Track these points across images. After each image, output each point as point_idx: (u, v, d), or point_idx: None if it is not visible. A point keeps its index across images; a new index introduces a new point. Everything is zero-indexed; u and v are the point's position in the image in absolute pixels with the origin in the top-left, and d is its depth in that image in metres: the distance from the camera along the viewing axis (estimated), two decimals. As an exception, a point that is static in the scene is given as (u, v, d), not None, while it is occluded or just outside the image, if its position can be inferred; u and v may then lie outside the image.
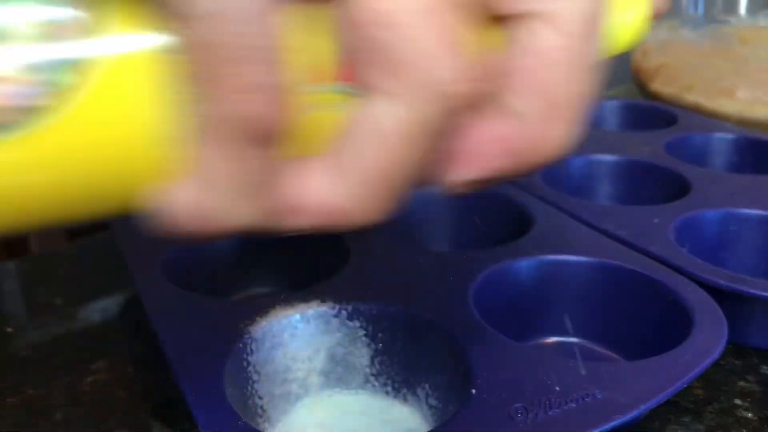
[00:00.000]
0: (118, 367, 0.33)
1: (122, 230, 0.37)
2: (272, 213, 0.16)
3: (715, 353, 0.26)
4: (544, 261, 0.33)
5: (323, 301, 0.29)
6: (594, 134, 0.52)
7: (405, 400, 0.29)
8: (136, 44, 0.15)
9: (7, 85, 0.14)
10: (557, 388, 0.24)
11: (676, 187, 0.43)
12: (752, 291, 0.31)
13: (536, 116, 0.16)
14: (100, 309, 0.38)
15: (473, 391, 0.25)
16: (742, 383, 0.31)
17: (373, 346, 0.30)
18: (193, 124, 0.15)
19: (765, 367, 0.32)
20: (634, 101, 0.64)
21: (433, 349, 0.28)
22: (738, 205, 0.40)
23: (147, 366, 0.33)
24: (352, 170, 0.15)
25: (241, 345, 0.27)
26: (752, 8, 0.67)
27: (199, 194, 0.15)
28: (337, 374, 0.30)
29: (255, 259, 0.38)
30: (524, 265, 0.33)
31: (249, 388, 0.27)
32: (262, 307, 0.29)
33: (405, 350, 0.29)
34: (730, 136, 0.53)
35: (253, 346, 0.28)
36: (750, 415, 0.29)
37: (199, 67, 0.14)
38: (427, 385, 0.28)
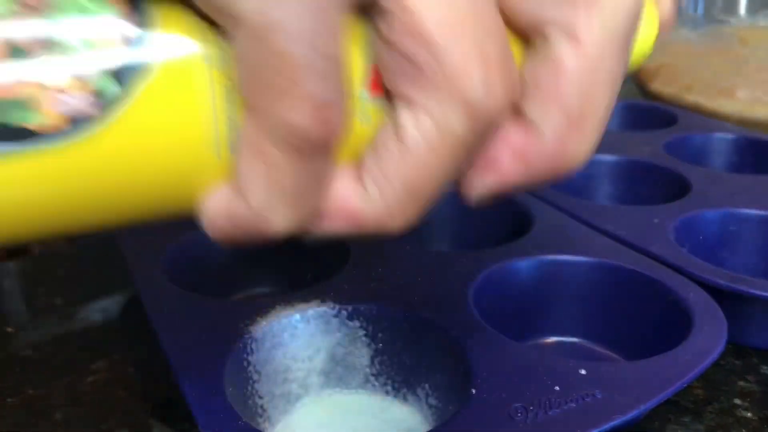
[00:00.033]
0: (118, 367, 0.33)
1: (122, 230, 0.37)
2: (308, 219, 0.16)
3: (715, 353, 0.26)
4: (544, 261, 0.33)
5: (323, 301, 0.29)
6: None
7: (405, 400, 0.29)
8: (186, 52, 0.15)
9: (59, 94, 0.14)
10: (557, 388, 0.24)
11: (676, 187, 0.43)
12: (752, 291, 0.31)
13: (557, 130, 0.16)
14: (100, 309, 0.38)
15: (473, 391, 0.25)
16: (742, 383, 0.31)
17: (373, 346, 0.30)
18: (242, 132, 0.15)
19: (765, 367, 0.32)
20: (634, 101, 0.64)
21: (433, 349, 0.28)
22: (738, 205, 0.40)
23: (147, 366, 0.33)
24: (381, 179, 0.16)
25: (241, 345, 0.27)
26: (752, 8, 0.68)
27: (240, 200, 0.16)
28: (337, 374, 0.30)
29: (255, 259, 0.38)
30: (524, 265, 0.33)
31: (249, 388, 0.27)
32: (262, 307, 0.29)
33: (405, 350, 0.29)
34: (730, 136, 0.53)
35: (253, 346, 0.28)
36: (750, 415, 0.29)
37: (257, 78, 0.14)
38: (427, 385, 0.28)
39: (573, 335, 0.34)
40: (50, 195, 0.15)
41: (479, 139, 0.16)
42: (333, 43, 0.14)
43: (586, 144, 0.17)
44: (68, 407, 0.30)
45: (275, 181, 0.15)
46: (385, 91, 0.16)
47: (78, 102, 0.14)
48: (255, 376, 0.28)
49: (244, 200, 0.16)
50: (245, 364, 0.27)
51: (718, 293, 0.30)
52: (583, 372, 0.25)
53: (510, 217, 0.39)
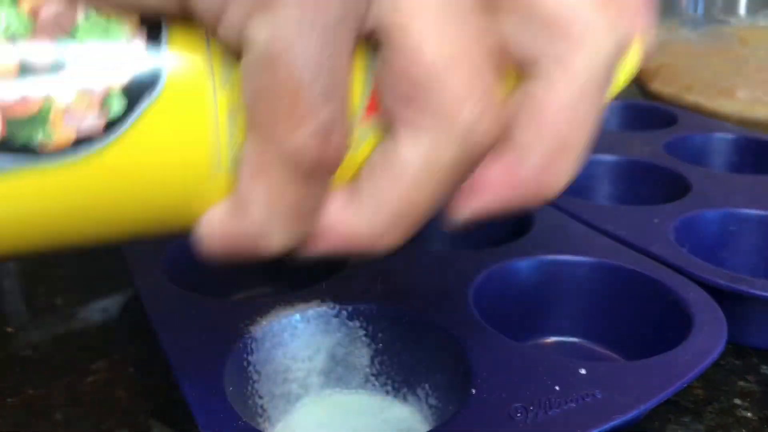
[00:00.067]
0: (118, 367, 0.33)
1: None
2: (303, 239, 0.17)
3: (715, 353, 0.26)
4: (544, 261, 0.33)
5: (323, 301, 0.29)
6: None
7: (405, 400, 0.29)
8: (194, 73, 0.15)
9: (68, 112, 0.15)
10: (557, 388, 0.24)
11: (676, 187, 0.43)
12: (752, 291, 0.31)
13: (539, 160, 0.17)
14: (100, 309, 0.38)
15: (473, 391, 0.25)
16: (742, 383, 0.31)
17: (373, 346, 0.30)
18: (246, 152, 0.16)
19: (765, 367, 0.32)
20: (634, 101, 0.64)
21: (433, 349, 0.28)
22: (738, 205, 0.40)
23: (147, 366, 0.33)
24: (374, 201, 0.16)
25: (241, 345, 0.27)
26: (752, 8, 0.68)
27: (238, 218, 0.16)
28: (337, 374, 0.30)
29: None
30: (524, 265, 0.33)
31: (249, 388, 0.27)
32: (262, 307, 0.29)
33: (405, 350, 0.29)
34: (730, 136, 0.53)
35: (253, 346, 0.28)
36: (750, 415, 0.29)
37: (264, 101, 0.15)
38: (427, 385, 0.28)
39: (573, 335, 0.34)
40: (54, 210, 0.15)
41: (468, 168, 0.17)
42: (339, 69, 0.15)
43: (566, 172, 0.17)
44: (68, 407, 0.30)
45: (275, 200, 0.16)
46: (380, 115, 0.17)
47: (85, 120, 0.15)
48: (255, 376, 0.28)
49: (242, 218, 0.16)
50: (245, 364, 0.27)
51: (718, 293, 0.30)
52: (583, 372, 0.25)
53: (510, 217, 0.39)
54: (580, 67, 0.17)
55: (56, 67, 0.15)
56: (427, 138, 0.16)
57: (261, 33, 0.14)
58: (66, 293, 0.39)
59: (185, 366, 0.26)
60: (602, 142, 0.51)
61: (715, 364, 0.27)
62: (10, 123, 0.14)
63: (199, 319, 0.29)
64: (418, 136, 0.16)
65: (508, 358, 0.26)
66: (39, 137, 0.15)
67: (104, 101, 0.15)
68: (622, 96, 0.68)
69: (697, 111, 0.61)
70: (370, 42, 0.16)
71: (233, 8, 0.14)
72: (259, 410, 0.27)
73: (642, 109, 0.61)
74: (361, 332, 0.29)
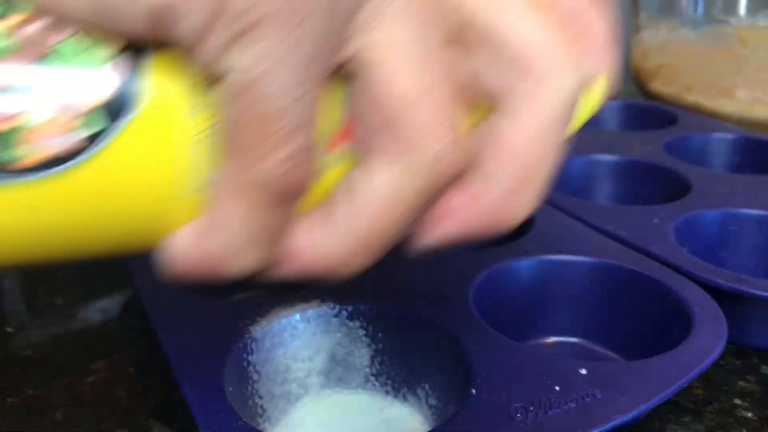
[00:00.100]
0: (118, 367, 0.33)
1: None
2: (267, 263, 0.17)
3: (715, 353, 0.26)
4: (544, 261, 0.33)
5: (323, 301, 0.29)
6: (594, 134, 0.52)
7: (405, 400, 0.29)
8: (170, 97, 0.16)
9: (43, 130, 0.15)
10: (557, 388, 0.24)
11: (676, 187, 0.43)
12: (752, 291, 0.31)
13: (501, 192, 0.18)
14: (100, 309, 0.38)
15: (473, 391, 0.25)
16: (742, 383, 0.31)
17: (373, 346, 0.30)
18: (217, 176, 0.16)
19: (765, 367, 0.32)
20: (634, 101, 0.64)
21: (433, 349, 0.28)
22: (738, 205, 0.40)
23: (147, 366, 0.33)
24: (340, 227, 0.17)
25: (241, 345, 0.27)
26: (752, 8, 0.67)
27: (205, 240, 0.17)
28: (337, 374, 0.30)
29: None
30: (524, 265, 0.33)
31: (249, 388, 0.27)
32: (262, 307, 0.29)
33: (405, 350, 0.29)
34: (730, 136, 0.53)
35: (253, 346, 0.28)
36: (750, 415, 0.29)
37: (238, 127, 0.15)
38: (427, 385, 0.28)
39: (573, 335, 0.34)
40: (23, 226, 0.16)
41: (435, 194, 0.17)
42: (311, 100, 0.15)
43: (528, 203, 0.18)
44: (68, 407, 0.30)
45: (242, 226, 0.16)
46: (350, 143, 0.17)
47: (59, 139, 0.15)
48: (255, 376, 0.28)
49: (209, 239, 0.16)
50: (245, 364, 0.27)
51: (718, 293, 0.30)
52: (583, 372, 0.25)
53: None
54: (543, 104, 0.17)
55: (33, 86, 0.15)
56: (394, 167, 0.16)
57: (239, 61, 0.15)
58: (66, 293, 0.39)
59: (185, 366, 0.26)
60: (602, 142, 0.51)
61: (715, 364, 0.27)
62: None
63: (199, 319, 0.29)
64: (386, 164, 0.16)
65: (508, 358, 0.26)
66: (11, 154, 0.15)
67: (79, 121, 0.15)
68: (622, 96, 0.68)
69: (697, 111, 0.61)
70: (343, 72, 0.16)
71: (213, 36, 0.15)
72: (259, 410, 0.27)
73: (642, 109, 0.61)
74: (361, 332, 0.29)
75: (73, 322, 0.37)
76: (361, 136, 0.17)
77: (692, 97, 0.63)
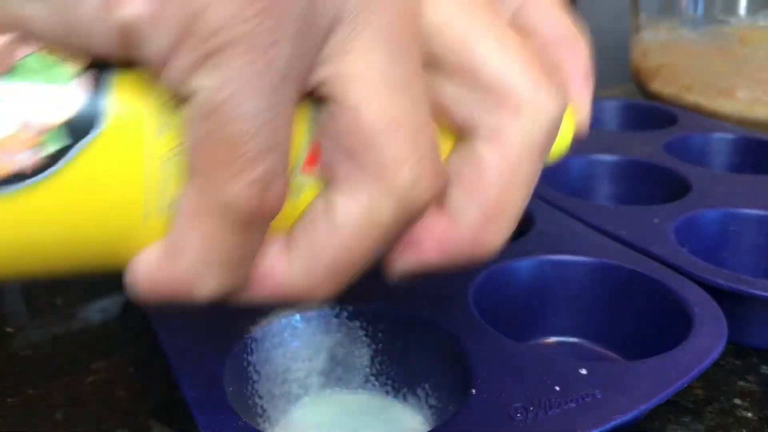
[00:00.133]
0: (118, 367, 0.33)
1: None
2: (235, 287, 0.17)
3: (715, 353, 0.26)
4: (544, 261, 0.33)
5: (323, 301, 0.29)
6: (594, 134, 0.52)
7: (405, 400, 0.29)
8: (134, 117, 0.16)
9: (3, 148, 0.15)
10: (557, 388, 0.24)
11: (676, 187, 0.43)
12: (752, 291, 0.31)
13: (475, 221, 0.18)
14: (100, 309, 0.38)
15: (473, 391, 0.25)
16: (742, 383, 0.31)
17: (373, 346, 0.30)
18: (181, 198, 0.16)
19: (765, 367, 0.32)
20: (634, 101, 0.64)
21: (433, 349, 0.28)
22: (738, 205, 0.40)
23: (147, 366, 0.33)
24: (307, 254, 0.17)
25: (241, 345, 0.27)
26: (752, 8, 0.67)
27: (171, 263, 0.16)
28: (337, 374, 0.30)
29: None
30: (524, 265, 0.33)
31: (249, 388, 0.27)
32: (262, 307, 0.29)
33: (405, 350, 0.29)
34: (730, 136, 0.53)
35: (253, 346, 0.28)
36: (750, 415, 0.29)
37: (197, 153, 0.15)
38: (427, 385, 0.28)
39: (573, 335, 0.34)
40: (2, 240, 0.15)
41: (404, 226, 0.17)
42: (279, 124, 0.15)
43: (500, 235, 0.18)
44: (68, 407, 0.30)
45: (207, 249, 0.16)
46: (321, 168, 0.17)
47: (20, 156, 0.15)
48: (255, 376, 0.28)
49: (175, 263, 0.16)
50: (245, 364, 0.27)
51: (718, 293, 0.30)
52: (583, 372, 0.25)
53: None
54: (517, 137, 0.17)
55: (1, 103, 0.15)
56: (364, 195, 0.16)
57: (205, 83, 0.14)
58: (66, 293, 0.39)
59: (185, 366, 0.26)
60: (602, 142, 0.51)
61: (715, 364, 0.27)
62: None
63: (199, 319, 0.29)
64: (355, 193, 0.16)
65: (508, 358, 0.26)
66: None
67: (42, 138, 0.15)
68: (622, 96, 0.68)
69: (697, 111, 0.61)
70: (314, 96, 0.16)
71: (179, 56, 0.14)
72: (259, 410, 0.27)
73: (642, 109, 0.61)
74: (361, 332, 0.29)
75: (73, 322, 0.37)
76: (328, 162, 0.17)
77: (692, 97, 0.63)
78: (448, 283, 0.31)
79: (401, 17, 0.16)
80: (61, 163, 0.15)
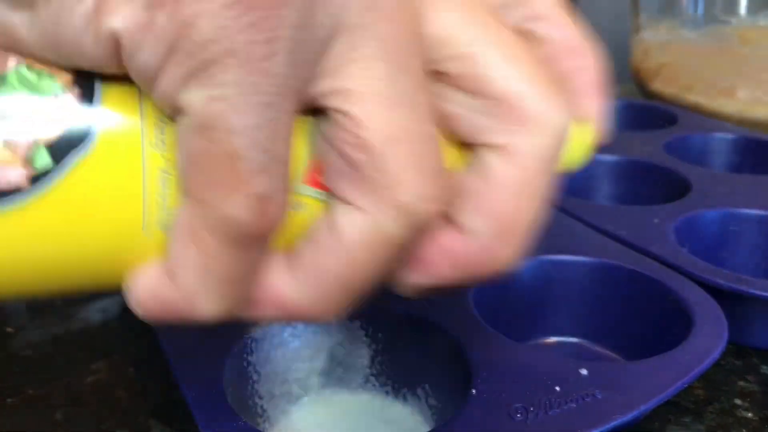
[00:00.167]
0: (118, 367, 0.33)
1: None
2: (237, 306, 0.16)
3: (716, 353, 0.26)
4: (544, 261, 0.33)
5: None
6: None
7: (405, 400, 0.29)
8: (125, 132, 0.15)
9: (3, 161, 0.14)
10: (557, 388, 0.24)
11: (676, 187, 0.43)
12: (752, 291, 0.31)
13: (488, 238, 0.17)
14: (100, 309, 0.38)
15: (473, 391, 0.25)
16: (742, 383, 0.31)
17: (373, 346, 0.30)
18: (178, 216, 0.15)
19: (765, 367, 0.32)
20: (634, 101, 0.64)
21: (433, 349, 0.28)
22: (738, 205, 0.40)
23: (147, 366, 0.33)
24: (312, 272, 0.16)
25: (241, 345, 0.27)
26: (752, 8, 0.67)
27: (169, 283, 0.16)
28: (337, 374, 0.30)
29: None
30: (524, 265, 0.33)
31: (249, 388, 0.27)
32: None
33: (405, 350, 0.29)
34: (730, 136, 0.53)
35: (253, 346, 0.28)
36: (750, 415, 0.29)
37: (191, 170, 0.15)
38: (427, 385, 0.28)
39: (573, 335, 0.34)
40: None
41: (411, 242, 0.16)
42: (276, 139, 0.14)
43: (513, 251, 0.17)
44: (68, 407, 0.30)
45: (207, 268, 0.15)
46: (323, 185, 0.16)
47: (8, 173, 0.14)
48: (255, 376, 0.28)
49: (173, 284, 0.16)
50: (245, 364, 0.27)
51: (718, 293, 0.30)
52: (583, 372, 0.25)
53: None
54: (526, 148, 0.17)
55: None
56: (368, 211, 0.15)
57: (196, 99, 0.14)
58: (66, 293, 0.39)
59: (185, 366, 0.26)
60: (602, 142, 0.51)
61: (716, 364, 0.27)
62: None
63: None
64: (359, 208, 0.16)
65: (508, 358, 0.26)
66: None
67: (29, 155, 0.14)
68: (622, 96, 0.68)
69: (697, 111, 0.61)
70: (312, 108, 0.16)
71: (170, 70, 0.14)
72: (259, 410, 0.27)
73: (642, 109, 0.61)
74: (361, 332, 0.29)
75: (73, 322, 0.37)
76: (331, 177, 0.16)
77: (693, 97, 0.63)
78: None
79: (403, 27, 0.16)
80: (48, 181, 0.14)
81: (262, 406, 0.28)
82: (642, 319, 0.31)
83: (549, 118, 0.17)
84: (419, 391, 0.29)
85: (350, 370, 0.30)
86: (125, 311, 0.37)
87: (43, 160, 0.14)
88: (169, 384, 0.30)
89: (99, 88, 0.15)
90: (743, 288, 0.31)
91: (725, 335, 0.27)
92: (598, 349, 0.33)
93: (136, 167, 0.15)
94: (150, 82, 0.14)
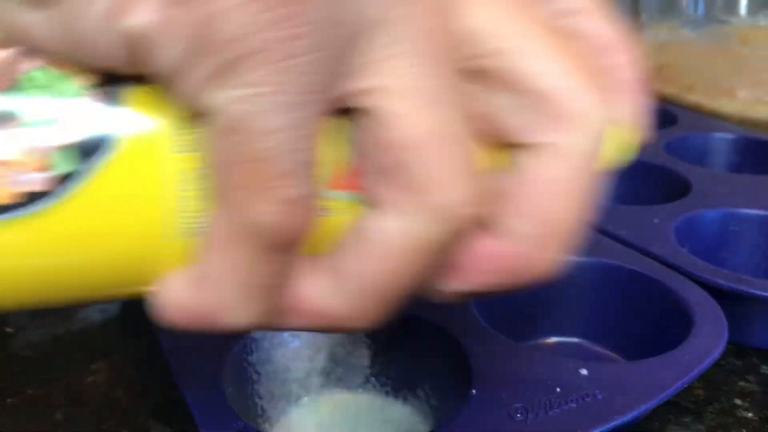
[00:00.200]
0: (118, 367, 0.33)
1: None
2: (270, 314, 0.16)
3: (716, 353, 0.26)
4: (544, 261, 0.33)
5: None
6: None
7: (405, 400, 0.29)
8: (152, 136, 0.15)
9: (14, 168, 0.14)
10: (557, 389, 0.24)
11: (676, 187, 0.43)
12: (752, 291, 0.31)
13: (533, 240, 0.16)
14: (100, 309, 0.38)
15: (473, 391, 0.25)
16: (742, 383, 0.31)
17: (373, 346, 0.30)
18: (206, 222, 0.15)
19: (765, 367, 0.32)
20: (634, 101, 0.64)
21: (433, 349, 0.28)
22: (738, 205, 0.40)
23: (147, 366, 0.33)
24: (352, 279, 0.15)
25: (241, 345, 0.27)
26: (752, 8, 0.67)
27: (196, 291, 0.15)
28: (337, 374, 0.30)
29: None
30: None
31: (249, 388, 0.27)
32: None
33: (405, 350, 0.29)
34: (730, 136, 0.53)
35: (253, 346, 0.28)
36: (750, 415, 0.29)
37: (222, 173, 0.14)
38: (427, 385, 0.28)
39: (573, 335, 0.34)
40: (6, 268, 0.14)
41: (448, 246, 0.16)
42: (304, 141, 0.14)
43: (555, 253, 0.17)
44: (68, 407, 0.30)
45: (238, 275, 0.15)
46: (355, 188, 0.16)
47: (33, 178, 0.14)
48: (255, 376, 0.28)
49: (203, 292, 0.15)
50: (245, 364, 0.27)
51: (718, 293, 0.30)
52: (583, 372, 0.25)
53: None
54: (571, 150, 0.16)
55: (3, 120, 0.14)
56: (405, 216, 0.15)
57: (224, 98, 0.13)
58: (66, 293, 0.39)
59: (185, 366, 0.26)
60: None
61: (716, 365, 0.27)
62: None
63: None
64: (396, 213, 0.15)
65: (509, 359, 0.26)
66: None
67: (50, 159, 0.14)
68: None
69: (697, 111, 0.61)
70: (340, 108, 0.15)
71: (192, 70, 0.13)
72: (259, 410, 0.27)
73: (642, 109, 0.61)
74: (361, 332, 0.29)
75: (73, 322, 0.37)
76: (369, 181, 0.15)
77: (693, 97, 0.63)
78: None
79: (436, 22, 0.15)
80: (70, 186, 0.14)
81: (262, 406, 0.28)
82: (642, 319, 0.31)
83: (592, 114, 0.16)
84: (419, 391, 0.29)
85: (350, 370, 0.30)
86: (125, 311, 0.38)
87: (63, 166, 0.14)
88: (169, 384, 0.30)
89: (119, 89, 0.15)
90: (743, 288, 0.31)
91: (725, 335, 0.27)
92: (598, 349, 0.33)
93: (158, 171, 0.15)
94: (172, 82, 0.14)
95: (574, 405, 0.24)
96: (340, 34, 0.14)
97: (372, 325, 0.16)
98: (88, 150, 0.14)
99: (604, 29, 0.20)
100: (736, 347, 0.33)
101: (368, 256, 0.15)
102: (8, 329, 0.36)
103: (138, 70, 0.14)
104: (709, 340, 0.27)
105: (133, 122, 0.14)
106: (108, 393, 0.31)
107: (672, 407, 0.29)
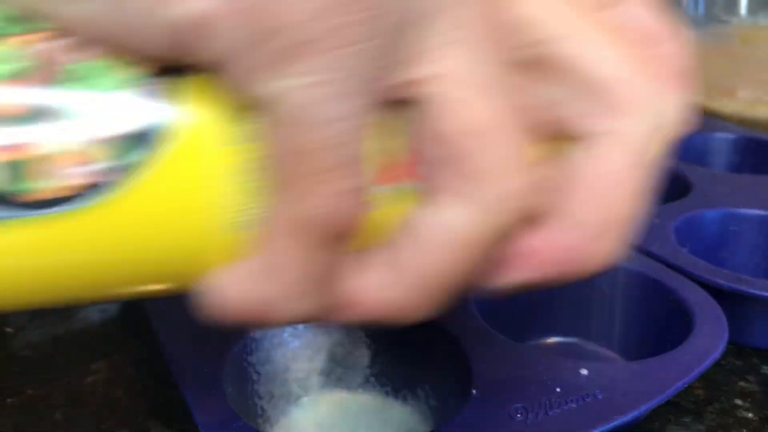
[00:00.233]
0: (118, 367, 0.33)
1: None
2: (327, 306, 0.16)
3: (716, 353, 0.26)
4: (545, 261, 0.33)
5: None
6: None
7: (405, 400, 0.29)
8: (211, 128, 0.14)
9: (74, 160, 0.14)
10: (557, 389, 0.24)
11: (676, 187, 0.43)
12: (752, 291, 0.31)
13: (593, 229, 0.16)
14: (100, 309, 0.38)
15: (474, 391, 0.25)
16: (742, 383, 0.31)
17: (373, 346, 0.30)
18: (262, 214, 0.15)
19: (765, 367, 0.32)
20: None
21: (433, 349, 0.28)
22: (738, 205, 0.40)
23: (147, 366, 0.33)
24: (411, 270, 0.15)
25: (241, 345, 0.27)
26: (753, 8, 0.67)
27: (255, 284, 0.15)
28: (337, 374, 0.30)
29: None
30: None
31: (249, 388, 0.27)
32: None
33: (405, 350, 0.29)
34: (730, 136, 0.53)
35: (253, 346, 0.28)
36: (750, 415, 0.29)
37: (280, 164, 0.14)
38: (427, 385, 0.28)
39: (573, 335, 0.34)
40: (40, 266, 0.14)
41: (506, 236, 0.16)
42: (357, 132, 0.14)
43: (614, 247, 0.17)
44: (68, 407, 0.30)
45: (296, 267, 0.15)
46: (400, 181, 0.16)
47: (92, 169, 0.14)
48: (255, 377, 0.28)
49: (262, 285, 0.15)
50: (245, 364, 0.27)
51: (718, 293, 0.30)
52: (583, 372, 0.25)
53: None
54: (630, 138, 0.16)
55: (50, 111, 0.13)
56: (463, 206, 0.15)
57: (276, 88, 0.13)
58: (66, 293, 0.39)
59: (185, 366, 0.26)
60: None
61: (716, 365, 0.27)
62: None
63: (200, 318, 0.29)
64: (453, 203, 0.15)
65: (509, 358, 0.26)
66: (41, 185, 0.13)
67: (101, 152, 0.14)
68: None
69: (697, 111, 0.61)
70: (400, 100, 0.15)
71: (249, 58, 0.13)
72: (259, 410, 0.27)
73: (642, 109, 0.61)
74: (361, 332, 0.29)
75: (73, 322, 0.37)
76: (425, 172, 0.15)
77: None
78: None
79: (490, 10, 0.15)
80: (121, 179, 0.14)
81: (262, 407, 0.28)
82: (642, 319, 0.31)
83: (651, 102, 0.16)
84: (419, 391, 0.29)
85: (350, 370, 0.30)
86: (125, 311, 0.38)
87: (116, 158, 0.14)
88: (169, 384, 0.30)
89: (169, 80, 0.14)
90: (743, 288, 0.31)
91: (725, 335, 0.27)
92: (598, 349, 0.33)
93: (210, 164, 0.14)
94: (226, 71, 0.14)
95: (574, 405, 0.24)
96: (396, 21, 0.14)
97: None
98: (138, 143, 0.14)
99: (651, 19, 0.19)
100: (737, 347, 0.33)
101: (427, 247, 0.15)
102: (8, 329, 0.36)
103: (188, 60, 0.14)
104: (709, 340, 0.27)
105: (183, 114, 0.14)
106: (108, 393, 0.31)
107: (672, 407, 0.29)
